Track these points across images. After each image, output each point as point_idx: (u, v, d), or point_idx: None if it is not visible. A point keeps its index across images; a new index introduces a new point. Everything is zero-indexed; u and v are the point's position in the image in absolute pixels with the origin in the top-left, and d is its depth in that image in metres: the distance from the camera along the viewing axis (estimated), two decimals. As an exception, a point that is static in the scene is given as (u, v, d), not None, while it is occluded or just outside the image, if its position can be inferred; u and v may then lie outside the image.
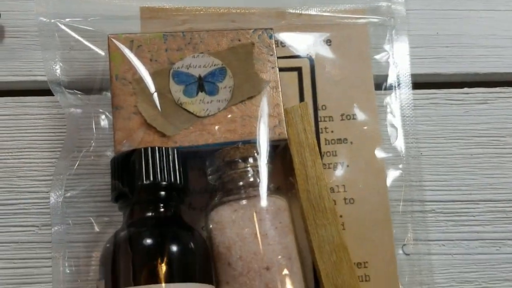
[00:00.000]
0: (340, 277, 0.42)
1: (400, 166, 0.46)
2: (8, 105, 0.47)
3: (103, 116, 0.44)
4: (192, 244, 0.38)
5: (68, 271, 0.42)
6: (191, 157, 0.42)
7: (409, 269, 0.44)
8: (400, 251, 0.44)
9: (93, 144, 0.44)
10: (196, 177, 0.45)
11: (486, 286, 0.45)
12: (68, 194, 0.43)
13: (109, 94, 0.43)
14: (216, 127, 0.42)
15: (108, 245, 0.39)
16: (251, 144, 0.42)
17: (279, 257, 0.39)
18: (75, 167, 0.43)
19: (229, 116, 0.43)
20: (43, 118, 0.47)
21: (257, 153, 0.42)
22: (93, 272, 0.42)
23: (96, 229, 0.43)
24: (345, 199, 0.45)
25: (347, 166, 0.45)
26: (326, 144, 0.46)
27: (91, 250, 0.43)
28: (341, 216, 0.44)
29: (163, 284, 0.36)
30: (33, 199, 0.45)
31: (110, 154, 0.43)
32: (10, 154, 0.46)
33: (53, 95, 0.45)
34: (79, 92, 0.45)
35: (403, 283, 0.43)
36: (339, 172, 0.45)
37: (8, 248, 0.44)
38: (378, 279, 0.43)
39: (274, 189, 0.42)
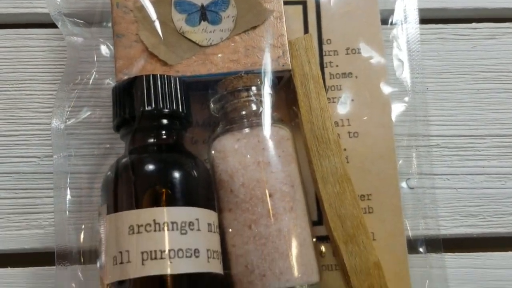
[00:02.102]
0: (343, 207, 0.41)
1: (406, 100, 0.45)
2: (9, 37, 0.46)
3: (104, 46, 0.44)
4: (194, 170, 0.38)
5: (70, 201, 0.42)
6: (193, 89, 0.42)
7: (413, 202, 0.44)
8: (404, 185, 0.44)
9: (94, 73, 0.43)
10: (199, 110, 0.44)
11: (491, 220, 0.45)
12: (69, 122, 0.42)
13: (110, 25, 0.42)
14: (219, 57, 0.42)
15: (109, 172, 0.38)
16: (254, 74, 0.41)
17: (282, 184, 0.39)
18: (76, 95, 0.43)
19: (232, 46, 0.42)
20: (44, 50, 0.46)
21: (261, 83, 0.41)
22: (95, 202, 0.42)
23: (98, 159, 0.43)
24: (349, 132, 0.44)
25: (352, 100, 0.45)
26: (330, 78, 0.45)
27: (93, 181, 0.42)
28: (345, 150, 0.43)
29: (165, 208, 0.36)
30: (34, 130, 0.45)
31: (111, 82, 0.42)
32: (11, 85, 0.46)
33: (54, 27, 0.44)
34: (80, 21, 0.44)
35: (407, 216, 0.43)
36: (344, 106, 0.45)
37: (10, 178, 0.44)
38: (381, 211, 0.43)
39: (277, 118, 0.42)
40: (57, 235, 0.41)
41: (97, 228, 0.38)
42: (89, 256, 0.40)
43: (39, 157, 0.44)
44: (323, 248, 0.42)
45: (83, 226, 0.41)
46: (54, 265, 0.40)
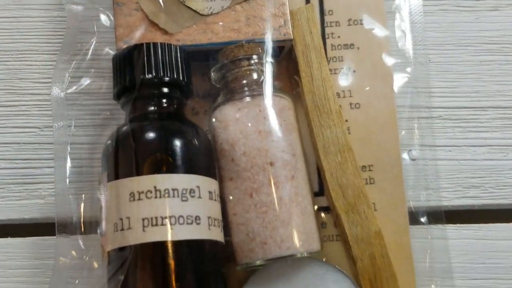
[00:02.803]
0: (345, 176, 0.41)
1: (408, 71, 0.45)
2: (9, 7, 0.46)
3: (104, 16, 0.43)
4: (195, 138, 0.38)
5: (71, 172, 0.41)
6: (194, 59, 0.41)
7: (415, 174, 0.43)
8: (406, 157, 0.43)
9: (94, 43, 0.43)
10: (199, 81, 0.44)
11: (493, 191, 0.44)
12: (70, 91, 0.42)
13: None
14: (220, 26, 0.41)
15: (110, 140, 0.38)
16: (255, 43, 0.41)
17: (283, 153, 0.39)
18: (76, 65, 0.43)
19: (233, 14, 0.42)
20: (43, 20, 0.46)
21: (262, 52, 0.41)
22: (96, 172, 0.42)
23: (98, 130, 0.43)
24: (350, 104, 0.44)
25: (354, 71, 0.44)
26: (332, 49, 0.45)
27: (93, 151, 0.42)
28: (346, 121, 0.43)
29: (166, 174, 0.36)
30: (34, 101, 0.45)
31: (110, 51, 0.42)
32: (11, 56, 0.45)
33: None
34: (80, -12, 0.44)
35: (408, 187, 0.43)
36: (345, 77, 0.44)
37: (10, 148, 0.44)
38: (383, 182, 0.42)
39: (279, 88, 0.41)
40: (58, 205, 0.41)
41: (97, 196, 0.38)
42: (89, 226, 0.40)
43: (39, 128, 0.44)
44: (324, 219, 0.42)
45: (83, 197, 0.41)
46: (55, 235, 0.40)
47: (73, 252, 0.39)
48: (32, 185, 0.44)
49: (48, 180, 0.44)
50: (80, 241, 0.40)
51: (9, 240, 0.43)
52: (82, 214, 0.41)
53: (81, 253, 0.39)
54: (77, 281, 0.39)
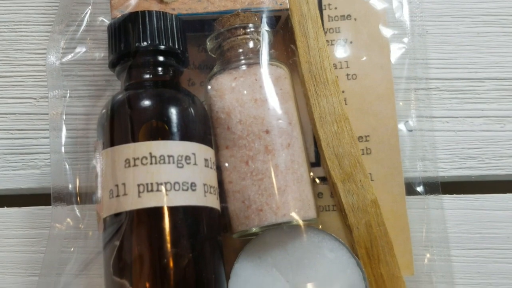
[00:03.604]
0: (341, 146, 0.41)
1: (405, 41, 0.44)
2: (3, -22, 0.46)
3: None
4: (191, 106, 0.38)
5: (66, 142, 0.41)
6: (190, 29, 0.41)
7: (411, 144, 0.43)
8: (403, 127, 0.43)
9: (89, 13, 0.43)
10: (195, 52, 0.44)
11: (489, 162, 0.44)
12: (65, 60, 0.42)
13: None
14: (216, -5, 0.41)
15: (104, 109, 0.38)
16: (251, 12, 0.41)
17: (279, 121, 0.39)
18: (70, 36, 0.42)
19: (229, -17, 0.41)
20: (39, -9, 0.46)
21: (258, 21, 0.40)
22: (91, 143, 0.42)
23: (94, 101, 0.43)
24: (347, 75, 0.44)
25: (351, 42, 0.44)
26: (329, 20, 0.45)
27: (89, 122, 0.42)
28: (343, 92, 0.43)
29: (161, 141, 0.36)
30: (30, 71, 0.45)
31: (105, 20, 0.42)
32: (7, 27, 0.45)
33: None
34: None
35: (405, 158, 0.43)
36: (342, 48, 0.44)
37: (6, 119, 0.44)
38: (379, 152, 0.42)
39: (275, 56, 0.41)
40: (54, 175, 0.41)
41: (93, 163, 0.38)
42: (85, 196, 0.40)
43: (35, 98, 0.44)
44: (321, 189, 0.42)
45: (79, 167, 0.41)
46: (50, 205, 0.40)
47: (69, 220, 0.39)
48: (28, 156, 0.44)
49: (44, 151, 0.44)
50: (76, 209, 0.40)
51: (5, 210, 0.43)
52: (78, 184, 0.41)
53: (77, 221, 0.39)
54: (72, 249, 0.39)
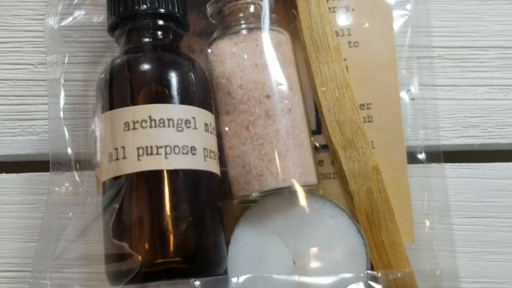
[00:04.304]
0: (343, 113, 0.41)
1: (408, 8, 0.44)
2: None
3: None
4: (191, 71, 0.37)
5: (65, 109, 0.41)
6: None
7: (413, 113, 0.43)
8: (405, 95, 0.43)
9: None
10: (196, 19, 0.43)
11: (492, 131, 0.44)
12: (63, 23, 0.41)
13: None
14: (216, -40, 0.41)
15: (103, 74, 0.38)
16: (252, -24, 0.40)
17: (280, 86, 0.38)
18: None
19: (230, -52, 0.41)
20: (37, -44, 0.45)
21: (259, -15, 0.40)
22: (90, 110, 0.41)
23: (92, 67, 0.42)
24: (349, 42, 0.43)
25: (353, 9, 0.43)
26: (331, -13, 0.44)
27: (87, 89, 0.42)
28: (345, 59, 0.43)
29: (161, 104, 0.35)
30: (28, 37, 0.44)
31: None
32: (4, -8, 0.45)
33: None
34: None
35: (407, 126, 0.42)
36: (344, 15, 0.43)
37: (4, 85, 0.44)
38: (381, 120, 0.42)
39: (276, 21, 0.41)
40: (52, 141, 0.40)
41: (92, 128, 0.37)
42: (84, 162, 0.40)
43: (33, 64, 0.44)
44: (322, 157, 0.42)
45: (78, 133, 0.41)
46: (49, 171, 0.40)
47: (67, 184, 0.39)
48: (27, 122, 0.43)
49: (42, 117, 0.43)
50: (75, 174, 0.39)
51: (4, 176, 0.43)
52: (76, 150, 0.40)
53: (76, 186, 0.39)
54: (70, 215, 0.39)
